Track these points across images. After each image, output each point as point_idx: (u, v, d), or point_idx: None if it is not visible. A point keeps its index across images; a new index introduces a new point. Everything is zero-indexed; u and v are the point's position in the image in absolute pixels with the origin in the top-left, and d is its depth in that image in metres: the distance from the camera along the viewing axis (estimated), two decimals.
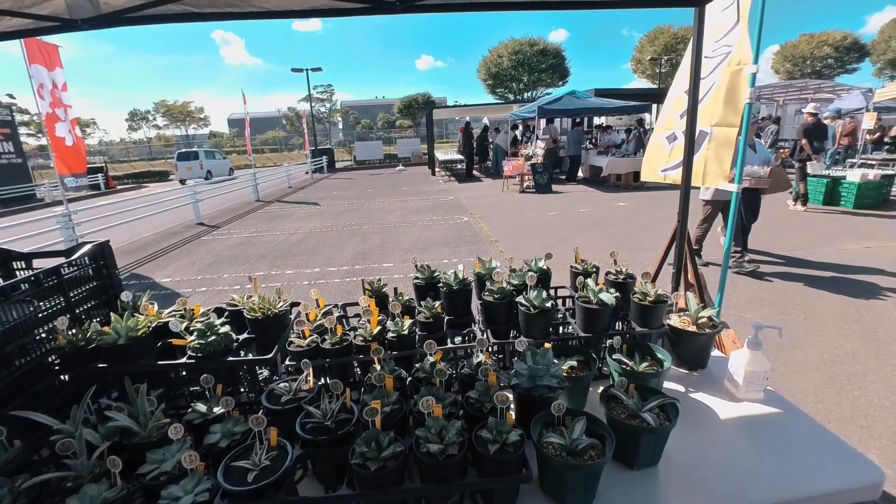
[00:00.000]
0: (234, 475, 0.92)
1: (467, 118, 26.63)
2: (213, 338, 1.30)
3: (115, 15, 1.63)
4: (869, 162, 10.40)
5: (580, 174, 14.10)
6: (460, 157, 17.70)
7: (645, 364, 1.35)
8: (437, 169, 18.94)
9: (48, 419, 1.11)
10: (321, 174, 22.16)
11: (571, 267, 1.76)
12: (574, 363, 1.32)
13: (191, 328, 1.37)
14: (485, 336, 1.32)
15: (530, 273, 1.46)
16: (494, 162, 16.43)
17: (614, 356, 1.36)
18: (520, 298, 1.38)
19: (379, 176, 20.15)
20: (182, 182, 16.75)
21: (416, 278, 1.64)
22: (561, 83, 33.38)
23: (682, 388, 1.48)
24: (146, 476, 0.99)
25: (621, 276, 1.64)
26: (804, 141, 8.54)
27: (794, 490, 1.09)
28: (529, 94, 32.91)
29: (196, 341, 1.30)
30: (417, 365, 1.24)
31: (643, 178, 3.05)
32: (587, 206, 9.96)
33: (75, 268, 1.54)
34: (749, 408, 1.39)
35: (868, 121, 10.21)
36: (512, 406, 1.19)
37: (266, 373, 1.42)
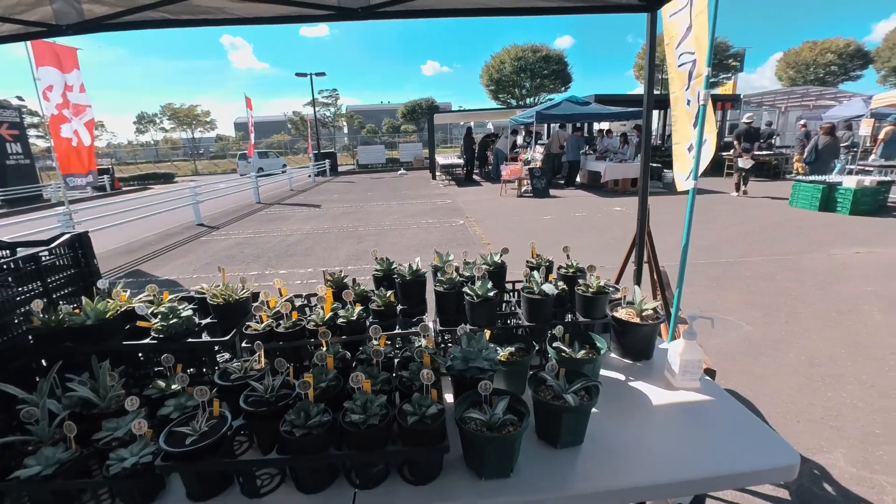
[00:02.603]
0: (175, 439, 1.01)
1: (471, 123, 26.83)
2: (174, 321, 1.39)
3: (97, 21, 1.73)
4: (867, 168, 10.41)
5: (578, 179, 14.18)
6: (460, 161, 17.83)
7: (583, 352, 1.42)
8: (437, 173, 19.06)
9: (15, 389, 1.20)
10: (324, 178, 22.38)
11: (527, 262, 1.84)
12: (513, 349, 1.39)
13: (156, 312, 1.46)
14: (428, 323, 1.40)
15: (479, 266, 1.54)
16: (495, 166, 16.55)
17: (554, 344, 1.43)
18: (465, 288, 1.46)
19: (380, 180, 20.31)
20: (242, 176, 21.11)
21: (376, 270, 1.73)
22: (563, 89, 33.49)
23: (623, 377, 1.55)
24: (100, 441, 1.08)
25: (571, 270, 1.72)
26: (735, 141, 11.04)
27: (713, 469, 1.15)
28: (532, 99, 33.05)
29: (159, 324, 1.39)
30: (361, 347, 1.32)
31: (678, 188, 2.62)
32: (583, 210, 10.03)
33: (53, 255, 1.64)
34: (684, 395, 1.46)
35: (865, 127, 10.25)
36: (447, 385, 1.27)
37: (227, 355, 1.50)
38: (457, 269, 1.62)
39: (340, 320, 1.40)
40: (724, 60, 31.77)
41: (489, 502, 1.02)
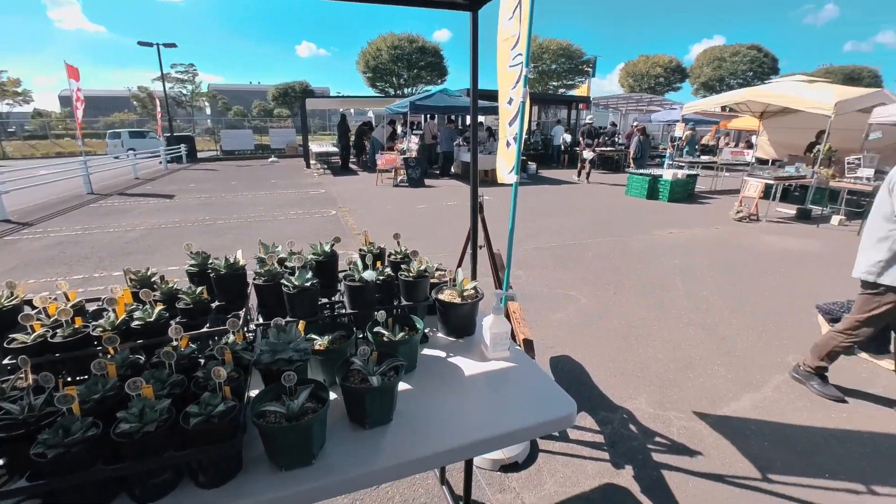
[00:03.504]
0: None
1: (350, 110, 26.03)
2: None
3: None
4: (679, 163, 12.61)
5: (453, 170, 14.74)
6: (336, 149, 17.28)
7: (402, 334, 1.49)
8: (312, 161, 18.21)
9: None
10: (179, 164, 19.84)
11: (360, 250, 1.87)
12: (332, 337, 1.41)
13: None
14: (240, 318, 1.35)
15: (300, 256, 1.52)
16: (371, 155, 16.37)
17: (375, 329, 1.48)
18: (283, 280, 1.43)
19: (248, 167, 18.72)
20: (116, 158, 17.82)
21: (190, 265, 1.60)
22: (440, 81, 34.23)
23: (444, 354, 1.66)
24: None
25: (399, 256, 1.79)
26: (581, 138, 14.10)
27: (511, 425, 1.30)
28: (410, 89, 33.21)
29: None
30: (157, 350, 1.22)
31: (499, 180, 2.94)
32: (455, 199, 10.46)
33: None
34: (495, 365, 1.62)
35: (678, 130, 12.37)
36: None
37: None
38: (280, 261, 1.57)
39: (136, 323, 1.27)
40: (578, 66, 35.49)
41: (290, 492, 1.02)
